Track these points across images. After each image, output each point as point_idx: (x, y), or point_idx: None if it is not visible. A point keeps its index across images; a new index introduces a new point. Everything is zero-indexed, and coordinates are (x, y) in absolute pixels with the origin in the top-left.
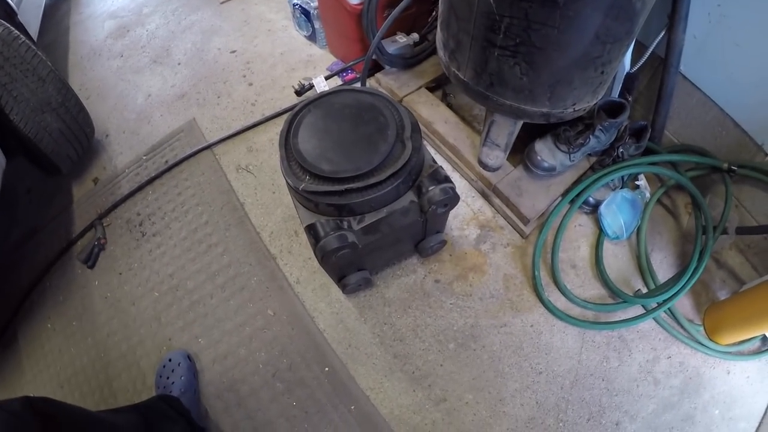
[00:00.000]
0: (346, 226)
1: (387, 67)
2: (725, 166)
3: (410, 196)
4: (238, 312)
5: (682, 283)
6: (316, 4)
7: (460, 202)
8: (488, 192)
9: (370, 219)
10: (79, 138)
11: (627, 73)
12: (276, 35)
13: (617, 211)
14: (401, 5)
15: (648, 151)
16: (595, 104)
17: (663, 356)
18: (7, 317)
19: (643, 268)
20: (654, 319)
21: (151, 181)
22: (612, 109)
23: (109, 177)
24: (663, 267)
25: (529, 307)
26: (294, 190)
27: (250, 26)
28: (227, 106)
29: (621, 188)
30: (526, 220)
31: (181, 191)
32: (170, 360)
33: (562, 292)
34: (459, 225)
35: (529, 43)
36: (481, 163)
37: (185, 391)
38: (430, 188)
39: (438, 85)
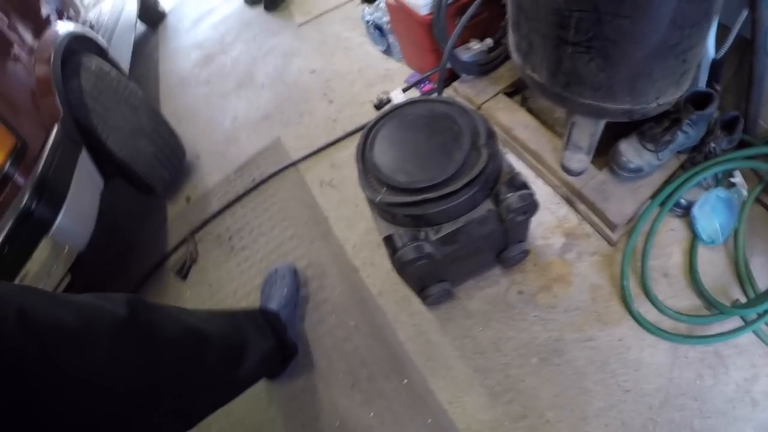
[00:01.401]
0: (422, 237)
1: (463, 75)
2: None
3: (488, 205)
4: (321, 323)
5: None
6: (388, 18)
7: (543, 210)
8: (573, 198)
9: (447, 229)
10: (171, 160)
11: (712, 60)
12: (353, 52)
13: (711, 212)
14: (469, 12)
15: (742, 144)
16: (680, 96)
17: (763, 374)
18: None
19: (742, 276)
20: (754, 332)
21: (239, 198)
22: (699, 101)
23: (201, 195)
24: (764, 274)
25: (617, 320)
26: (372, 203)
27: (327, 46)
28: (309, 124)
29: (715, 187)
30: (613, 226)
31: (268, 207)
32: (276, 271)
33: (652, 303)
34: (543, 234)
35: (602, 36)
36: (564, 167)
37: (285, 304)
38: (508, 195)
39: (516, 90)
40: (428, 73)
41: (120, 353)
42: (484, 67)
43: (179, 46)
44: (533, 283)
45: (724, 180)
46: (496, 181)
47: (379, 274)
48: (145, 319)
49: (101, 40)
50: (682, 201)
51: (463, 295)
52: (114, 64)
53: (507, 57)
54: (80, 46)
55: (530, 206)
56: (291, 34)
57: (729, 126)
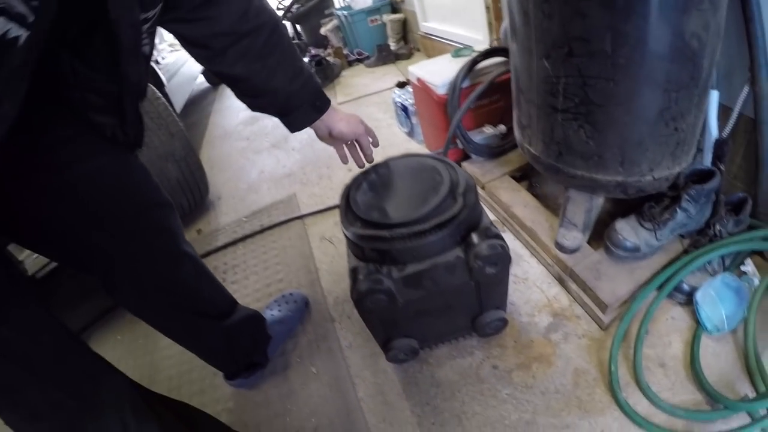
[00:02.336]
0: (385, 272)
1: (474, 156)
2: None
3: (457, 252)
4: (283, 363)
5: None
6: (413, 100)
7: (533, 288)
8: (565, 277)
9: (411, 269)
10: (193, 191)
11: (716, 140)
12: (380, 132)
13: (717, 299)
14: (477, 91)
15: (752, 229)
16: (678, 173)
17: None
18: (88, 321)
19: (752, 369)
20: (763, 430)
21: (243, 238)
22: (701, 178)
23: (211, 230)
24: None
25: (601, 409)
26: (347, 239)
27: None
28: (326, 186)
29: (722, 273)
30: (604, 307)
31: (267, 251)
32: (291, 294)
33: (644, 393)
34: (530, 311)
35: (588, 101)
36: (557, 244)
37: (283, 321)
38: (477, 243)
39: (524, 175)
40: (437, 151)
41: None
42: (494, 150)
43: (232, 105)
44: (511, 359)
45: (732, 268)
46: (470, 230)
47: (353, 327)
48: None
49: (161, 75)
50: (685, 286)
51: (434, 361)
52: (167, 98)
53: (517, 145)
54: None
55: (500, 257)
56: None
57: (736, 208)
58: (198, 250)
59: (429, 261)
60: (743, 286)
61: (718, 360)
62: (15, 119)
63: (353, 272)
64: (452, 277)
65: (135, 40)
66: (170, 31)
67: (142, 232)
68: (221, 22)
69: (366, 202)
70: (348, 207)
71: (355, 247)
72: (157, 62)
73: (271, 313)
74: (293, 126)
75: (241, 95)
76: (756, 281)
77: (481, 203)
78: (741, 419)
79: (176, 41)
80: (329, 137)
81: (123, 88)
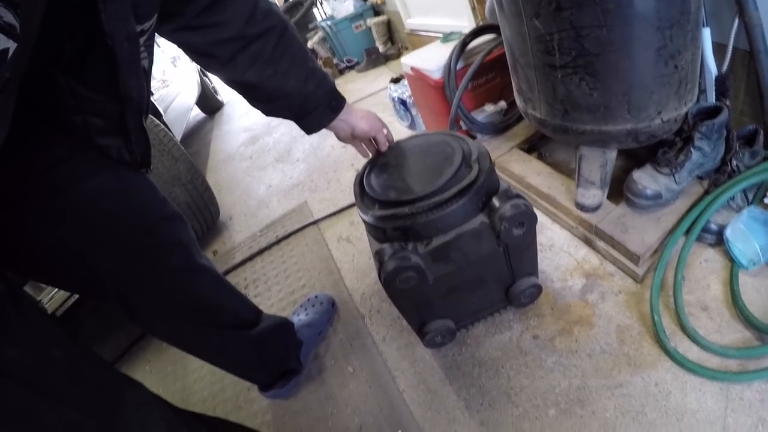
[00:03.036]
0: (411, 249)
1: (479, 136)
2: None
3: (481, 218)
4: (318, 367)
5: None
6: (410, 92)
7: (561, 253)
8: (590, 236)
9: (437, 242)
10: (204, 213)
11: (717, 77)
12: None
13: (748, 233)
14: (471, 69)
15: None
16: (686, 112)
17: None
18: (113, 357)
19: None
20: None
21: (260, 252)
22: (709, 115)
23: (227, 250)
24: None
25: (652, 362)
26: (366, 224)
27: None
28: (335, 189)
29: (748, 207)
30: (636, 258)
31: (286, 260)
32: (316, 297)
33: (692, 340)
34: (561, 276)
35: (584, 52)
36: (578, 205)
37: (311, 324)
38: (500, 205)
39: (532, 147)
40: None
41: None
42: (498, 127)
43: (231, 129)
44: (551, 326)
45: (757, 201)
46: (490, 196)
47: (384, 321)
48: None
49: (158, 106)
50: (713, 226)
51: (472, 341)
52: (166, 126)
53: (521, 117)
54: None
55: (525, 215)
56: None
57: (749, 140)
58: None
59: (454, 231)
60: None
61: (760, 294)
62: (5, 138)
63: (378, 255)
64: (480, 245)
65: (132, 54)
66: (176, 41)
67: (152, 250)
68: (228, 28)
69: (381, 183)
70: (363, 192)
71: (376, 230)
72: (151, 94)
73: (298, 318)
74: (310, 128)
75: (256, 102)
76: None
77: None
78: None
79: (167, 77)
80: (350, 137)
81: (124, 106)
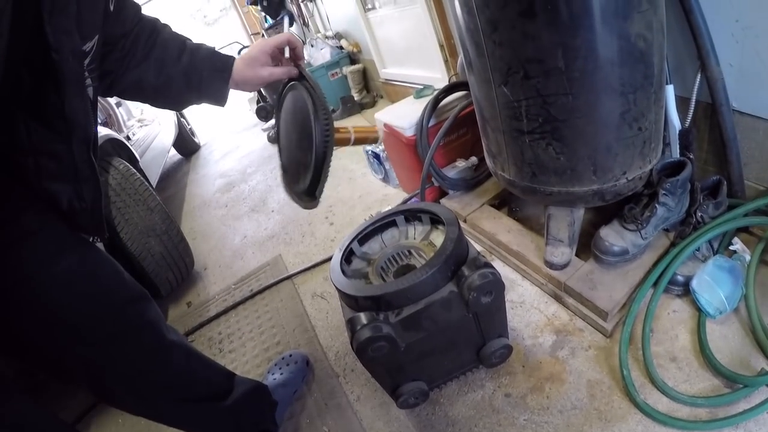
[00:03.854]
0: (381, 318)
1: (451, 192)
2: None
3: (450, 287)
4: (293, 426)
5: None
6: (383, 147)
7: (532, 310)
8: (560, 293)
9: (407, 311)
10: (178, 264)
11: (680, 131)
12: (356, 182)
13: (713, 283)
14: (444, 127)
15: (732, 209)
16: (650, 170)
17: None
18: (88, 406)
19: (762, 342)
20: None
21: (235, 306)
22: (673, 171)
23: (201, 302)
24: None
25: (622, 416)
26: (339, 291)
27: (334, 176)
28: (310, 243)
29: (713, 257)
30: (604, 315)
31: (260, 315)
32: (290, 356)
33: (662, 391)
34: (532, 333)
35: (551, 118)
36: (547, 263)
37: (285, 384)
38: (468, 275)
39: (502, 202)
40: (416, 192)
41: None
42: (469, 182)
43: (207, 174)
44: (522, 384)
45: (722, 250)
46: (459, 264)
47: (358, 380)
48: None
49: (134, 151)
50: (679, 277)
51: (445, 400)
52: (142, 174)
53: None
54: (115, 149)
55: (493, 284)
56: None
57: (713, 191)
58: (189, 323)
59: (424, 301)
60: (736, 265)
61: (727, 341)
62: None
63: (350, 323)
64: (450, 313)
65: (77, 72)
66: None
67: (123, 334)
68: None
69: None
70: (342, 262)
71: (348, 298)
72: (128, 138)
73: (273, 378)
74: (214, 97)
75: (153, 100)
76: (747, 257)
77: (466, 236)
78: (763, 394)
79: (145, 116)
80: (254, 69)
81: (72, 133)
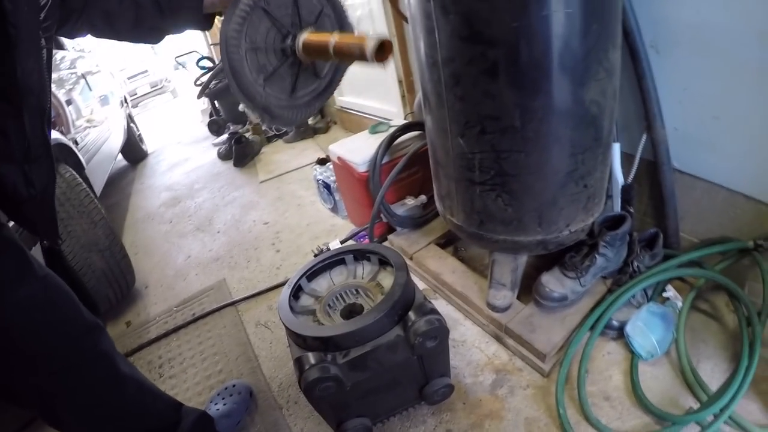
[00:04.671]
0: (329, 360)
1: (399, 229)
2: (750, 244)
3: (397, 331)
4: None
5: (737, 384)
6: (335, 177)
7: (473, 349)
8: (501, 334)
9: (355, 353)
10: (119, 282)
11: (623, 186)
12: (304, 209)
13: (646, 328)
14: (398, 167)
15: (667, 259)
16: (592, 223)
17: None
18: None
19: (690, 382)
20: None
21: (176, 329)
22: (614, 224)
23: (141, 322)
24: (716, 376)
25: None
26: (287, 329)
27: (282, 201)
28: (255, 269)
29: (647, 303)
30: (542, 356)
31: (203, 341)
32: (234, 386)
33: (595, 428)
34: (473, 372)
35: (502, 172)
36: (489, 305)
37: (229, 415)
38: (415, 320)
39: (448, 241)
40: (364, 227)
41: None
42: (417, 221)
43: (153, 185)
44: (463, 421)
45: (656, 296)
46: (407, 309)
47: (302, 412)
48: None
49: (81, 157)
50: (614, 322)
51: None
52: (87, 182)
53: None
54: (62, 154)
55: (438, 330)
56: (253, 189)
57: (650, 243)
58: (129, 344)
59: (371, 343)
60: (668, 311)
61: (658, 382)
62: None
63: (298, 362)
64: (395, 355)
65: (32, 27)
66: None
67: (79, 365)
68: None
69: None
70: (291, 299)
71: (297, 336)
72: (76, 143)
73: (215, 408)
74: (193, 18)
75: (128, 34)
76: (679, 304)
77: (412, 273)
78: (692, 430)
79: (95, 117)
80: None
81: (23, 100)
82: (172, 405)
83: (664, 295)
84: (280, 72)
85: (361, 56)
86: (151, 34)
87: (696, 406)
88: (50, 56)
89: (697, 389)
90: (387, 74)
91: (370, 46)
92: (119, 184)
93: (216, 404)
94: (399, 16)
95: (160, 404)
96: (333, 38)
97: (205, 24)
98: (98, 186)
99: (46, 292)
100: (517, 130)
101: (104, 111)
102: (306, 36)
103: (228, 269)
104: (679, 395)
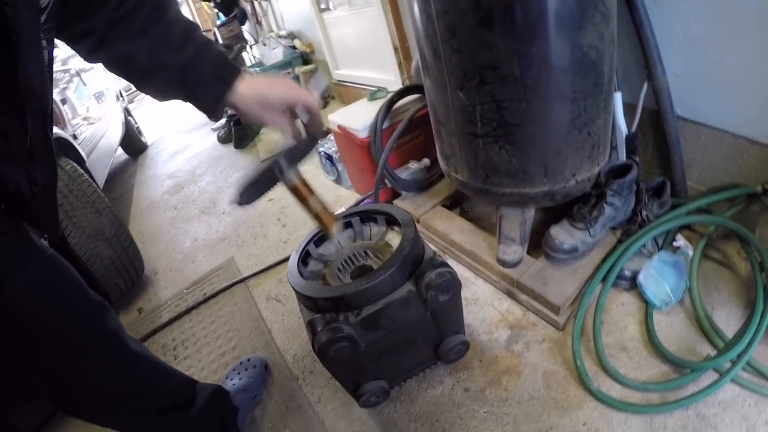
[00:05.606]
0: (342, 320)
1: (404, 193)
2: (759, 189)
3: (408, 286)
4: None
5: (753, 329)
6: (336, 148)
7: (486, 306)
8: (513, 290)
9: (367, 311)
10: (128, 269)
11: (627, 135)
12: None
13: (659, 276)
14: (397, 131)
15: (675, 208)
16: (598, 172)
17: (760, 423)
18: (44, 419)
19: (706, 329)
20: (734, 381)
21: (188, 311)
22: (620, 173)
23: (153, 308)
24: (731, 323)
25: (578, 403)
26: (297, 294)
27: None
28: (262, 245)
29: (658, 252)
30: (556, 309)
31: (215, 320)
32: (248, 360)
33: (614, 379)
34: (487, 329)
35: (504, 123)
36: (499, 260)
37: (245, 389)
38: (426, 274)
39: (454, 203)
40: (369, 193)
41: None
42: (422, 184)
43: (155, 175)
44: (480, 378)
45: (666, 246)
46: (417, 264)
47: (318, 381)
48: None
49: (81, 151)
50: (626, 272)
51: (406, 398)
52: (89, 174)
53: (443, 174)
54: (62, 148)
55: (450, 282)
56: (255, 168)
57: (658, 192)
58: (142, 329)
59: (383, 300)
60: (679, 260)
61: (674, 330)
62: None
63: (310, 325)
64: (408, 312)
65: (33, 30)
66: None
67: (85, 346)
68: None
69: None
70: (299, 263)
71: (307, 299)
72: (74, 137)
73: (231, 383)
74: (205, 105)
75: (139, 83)
76: (690, 252)
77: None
78: (710, 377)
79: (91, 114)
80: (262, 109)
81: (25, 104)
82: (187, 381)
83: (675, 244)
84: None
85: (325, 228)
86: (156, 94)
87: (713, 353)
88: (51, 57)
89: (714, 336)
90: (382, 42)
91: (333, 231)
92: (122, 177)
93: (232, 379)
94: None
95: (175, 381)
96: (316, 206)
97: (213, 114)
98: (100, 179)
99: (52, 273)
100: (516, 79)
101: (101, 107)
102: (296, 182)
103: (236, 248)
104: (695, 343)
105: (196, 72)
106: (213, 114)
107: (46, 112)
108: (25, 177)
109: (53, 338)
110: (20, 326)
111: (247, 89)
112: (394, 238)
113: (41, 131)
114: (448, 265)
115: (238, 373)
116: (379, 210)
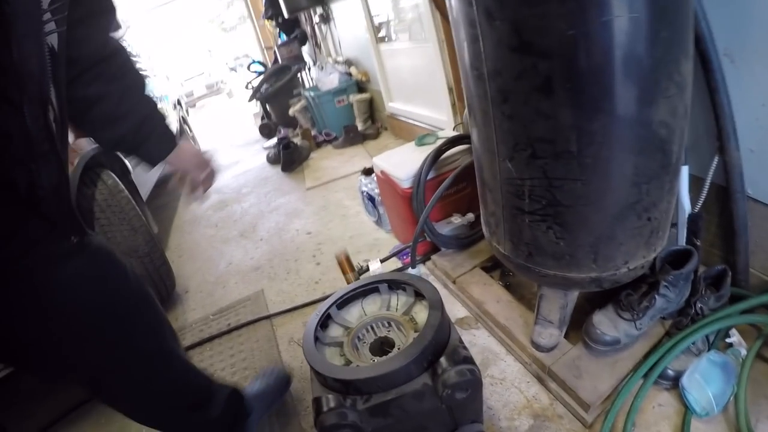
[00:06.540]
0: (349, 404)
1: (443, 249)
2: None
3: (424, 378)
4: None
5: None
6: (378, 191)
7: (512, 389)
8: (543, 375)
9: (376, 400)
10: (158, 287)
11: (689, 215)
12: (348, 220)
13: (703, 381)
14: (443, 185)
15: (734, 300)
16: (654, 258)
17: None
18: (53, 418)
19: None
20: None
21: (211, 339)
22: (678, 259)
23: (178, 327)
24: None
25: None
26: (309, 363)
27: (327, 211)
28: (294, 282)
29: (707, 351)
30: (586, 406)
31: (234, 353)
32: (273, 370)
33: None
34: (509, 414)
35: (555, 202)
36: (533, 343)
37: (264, 394)
38: (446, 369)
39: (495, 265)
40: (406, 245)
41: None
42: (463, 241)
43: None
44: None
45: (718, 342)
46: (437, 354)
47: None
48: None
49: (127, 163)
50: (670, 372)
51: None
52: (133, 186)
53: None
54: (107, 160)
55: (471, 383)
56: (299, 195)
57: (716, 282)
58: None
59: (395, 390)
60: (729, 361)
61: None
62: None
63: (316, 403)
64: (421, 404)
65: (31, 3)
66: None
67: (130, 339)
68: (95, 39)
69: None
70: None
71: (318, 374)
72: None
73: (248, 388)
74: (151, 155)
75: (93, 127)
76: (743, 351)
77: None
78: None
79: None
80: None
81: (23, 91)
82: (207, 380)
83: (728, 340)
84: None
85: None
86: (104, 140)
87: None
88: (62, 40)
89: None
90: (436, 80)
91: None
92: (170, 186)
93: (250, 383)
94: (447, 22)
95: (200, 380)
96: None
97: (154, 163)
98: (145, 190)
99: (94, 268)
100: (573, 156)
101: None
102: None
103: (267, 280)
104: None
105: (152, 126)
106: (153, 162)
107: (45, 101)
108: (35, 179)
109: (97, 330)
110: (65, 320)
111: (181, 152)
112: (420, 312)
113: (41, 122)
114: (471, 361)
115: (259, 379)
116: (408, 282)
